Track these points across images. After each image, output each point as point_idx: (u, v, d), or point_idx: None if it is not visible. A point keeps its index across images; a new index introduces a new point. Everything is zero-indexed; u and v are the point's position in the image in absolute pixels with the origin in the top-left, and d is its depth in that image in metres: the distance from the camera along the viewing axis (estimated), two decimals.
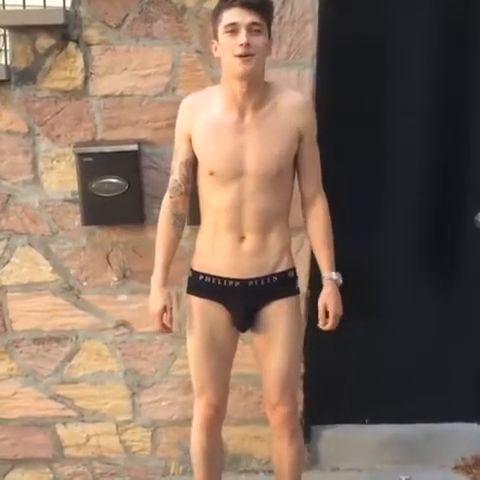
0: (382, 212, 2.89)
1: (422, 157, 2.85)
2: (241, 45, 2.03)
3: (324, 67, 2.62)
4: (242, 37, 2.03)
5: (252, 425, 2.90)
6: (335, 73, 2.65)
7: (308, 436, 2.92)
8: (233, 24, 2.04)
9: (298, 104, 2.20)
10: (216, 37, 2.11)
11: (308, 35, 2.57)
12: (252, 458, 2.96)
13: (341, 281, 2.29)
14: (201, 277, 2.29)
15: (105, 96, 2.65)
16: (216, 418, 2.40)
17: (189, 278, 2.34)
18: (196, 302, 2.31)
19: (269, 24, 2.12)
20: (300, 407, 2.75)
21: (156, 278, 2.30)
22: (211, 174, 2.19)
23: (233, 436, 2.89)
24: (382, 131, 2.80)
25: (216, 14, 2.10)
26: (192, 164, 2.25)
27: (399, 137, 2.80)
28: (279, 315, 2.28)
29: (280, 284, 2.28)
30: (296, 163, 2.24)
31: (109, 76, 2.63)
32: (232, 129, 2.16)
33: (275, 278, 2.27)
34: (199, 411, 2.40)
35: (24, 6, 2.81)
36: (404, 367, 2.95)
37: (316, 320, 2.31)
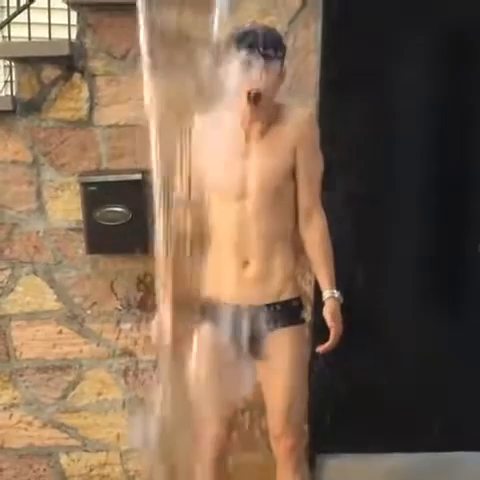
0: (386, 241, 2.90)
1: (425, 185, 2.88)
2: (252, 82, 2.08)
3: (327, 96, 2.65)
4: (252, 75, 2.08)
5: (260, 454, 2.88)
6: (338, 102, 2.68)
7: (313, 465, 2.90)
8: (245, 61, 2.08)
9: (296, 119, 2.23)
10: (229, 64, 2.15)
11: (311, 65, 2.61)
12: None
13: (342, 300, 2.26)
14: (206, 303, 2.28)
15: (110, 126, 2.67)
16: (223, 449, 2.38)
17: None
18: (199, 329, 2.30)
19: (282, 58, 2.16)
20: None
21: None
22: (216, 194, 2.21)
23: (241, 465, 2.87)
24: (385, 161, 2.82)
25: (229, 45, 2.13)
26: (201, 185, 2.25)
27: (403, 165, 2.82)
28: (282, 344, 2.26)
29: (284, 313, 2.26)
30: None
31: (114, 106, 2.66)
32: (238, 153, 2.20)
33: (278, 306, 2.26)
34: (205, 443, 2.37)
35: (30, 38, 2.85)
36: (411, 395, 2.93)
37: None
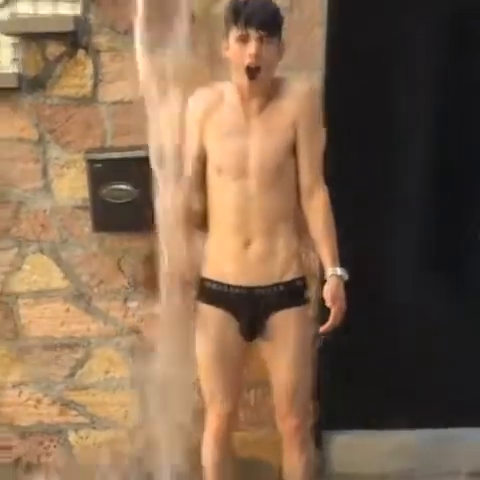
0: (388, 220, 2.87)
1: (430, 164, 2.84)
2: (250, 55, 2.05)
3: (333, 71, 2.61)
4: (251, 48, 2.05)
5: (266, 430, 2.88)
6: (344, 77, 2.64)
7: (320, 442, 2.90)
8: (243, 35, 2.06)
9: (296, 93, 2.19)
10: (227, 38, 2.12)
11: (316, 38, 2.56)
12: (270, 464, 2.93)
13: (347, 277, 2.19)
14: (208, 284, 2.28)
15: (114, 103, 2.65)
16: (228, 428, 2.39)
17: (197, 284, 2.32)
18: (203, 309, 2.29)
19: (280, 31, 2.12)
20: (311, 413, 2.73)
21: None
22: (219, 171, 2.19)
23: (249, 442, 2.87)
24: (390, 138, 2.79)
25: (228, 19, 2.10)
26: (203, 160, 2.24)
27: (407, 144, 2.79)
28: (286, 325, 2.24)
29: (287, 293, 2.24)
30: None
31: (118, 83, 2.63)
32: (239, 129, 2.17)
33: (282, 287, 2.24)
34: (211, 422, 2.38)
35: (35, 13, 2.82)
36: (417, 372, 2.92)
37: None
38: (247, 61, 2.06)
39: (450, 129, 2.82)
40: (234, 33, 2.07)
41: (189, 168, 2.26)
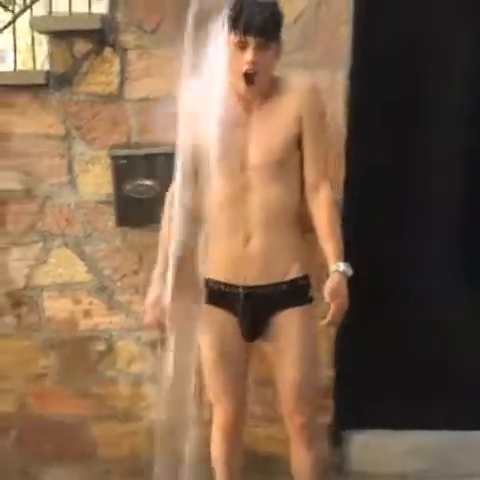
0: (413, 214, 2.86)
1: (457, 160, 2.83)
2: (248, 62, 2.04)
3: (359, 69, 2.62)
4: (249, 55, 2.04)
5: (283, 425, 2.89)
6: (371, 76, 2.65)
7: (339, 440, 2.90)
8: (241, 42, 2.04)
9: (298, 88, 2.18)
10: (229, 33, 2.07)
11: (343, 36, 2.57)
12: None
13: (351, 272, 2.12)
14: (208, 283, 2.23)
15: (140, 100, 2.68)
16: (234, 427, 2.38)
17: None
18: (204, 309, 2.25)
19: (279, 33, 2.10)
20: (330, 412, 2.73)
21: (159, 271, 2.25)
22: (215, 164, 2.11)
23: (265, 437, 2.88)
24: (417, 134, 2.78)
25: (225, 23, 2.04)
26: (198, 154, 2.17)
27: (435, 140, 2.78)
28: (289, 325, 2.21)
29: (290, 293, 2.20)
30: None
31: (144, 80, 2.67)
32: (237, 122, 2.15)
33: (284, 286, 2.20)
34: (217, 417, 2.39)
35: (70, 12, 2.83)
36: (437, 373, 2.91)
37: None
38: (245, 67, 2.05)
39: None
40: (232, 38, 2.05)
41: (184, 162, 2.17)
